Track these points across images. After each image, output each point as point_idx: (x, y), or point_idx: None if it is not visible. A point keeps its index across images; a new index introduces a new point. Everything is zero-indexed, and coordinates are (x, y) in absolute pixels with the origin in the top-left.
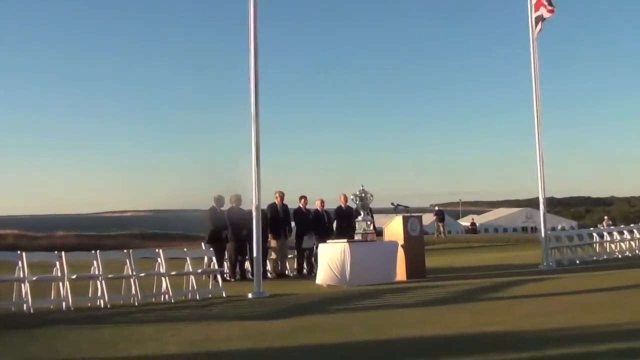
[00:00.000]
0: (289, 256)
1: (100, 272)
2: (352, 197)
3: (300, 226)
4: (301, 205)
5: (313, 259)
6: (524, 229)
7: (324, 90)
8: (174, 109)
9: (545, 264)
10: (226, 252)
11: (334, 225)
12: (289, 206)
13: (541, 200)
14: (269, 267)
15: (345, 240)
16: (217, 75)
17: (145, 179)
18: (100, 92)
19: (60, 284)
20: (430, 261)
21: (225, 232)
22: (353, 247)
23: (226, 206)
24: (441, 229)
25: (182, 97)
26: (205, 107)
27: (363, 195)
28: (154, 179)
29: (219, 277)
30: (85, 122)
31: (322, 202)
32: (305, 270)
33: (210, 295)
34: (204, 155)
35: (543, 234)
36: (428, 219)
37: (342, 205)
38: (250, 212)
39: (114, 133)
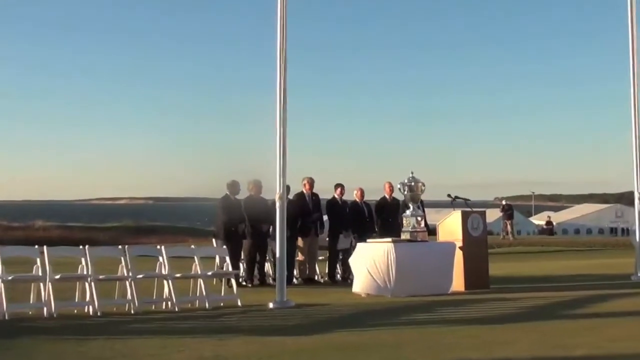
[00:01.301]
0: (320, 258)
1: (90, 272)
2: (399, 186)
3: (335, 221)
4: (336, 196)
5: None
6: (613, 230)
7: (369, 61)
8: (180, 83)
9: (639, 274)
10: (242, 251)
11: (376, 221)
12: (321, 196)
13: (636, 195)
14: (295, 271)
15: (390, 239)
16: (239, 46)
17: (145, 161)
18: (92, 58)
19: (41, 285)
20: (495, 268)
21: (242, 226)
22: (399, 249)
23: (243, 194)
24: (509, 228)
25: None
26: (221, 79)
27: (413, 184)
28: (154, 160)
29: (233, 281)
30: (69, 89)
31: (362, 192)
32: (339, 276)
33: (222, 304)
34: (215, 134)
35: (638, 237)
36: (493, 215)
37: (387, 197)
38: (272, 202)
39: (105, 105)
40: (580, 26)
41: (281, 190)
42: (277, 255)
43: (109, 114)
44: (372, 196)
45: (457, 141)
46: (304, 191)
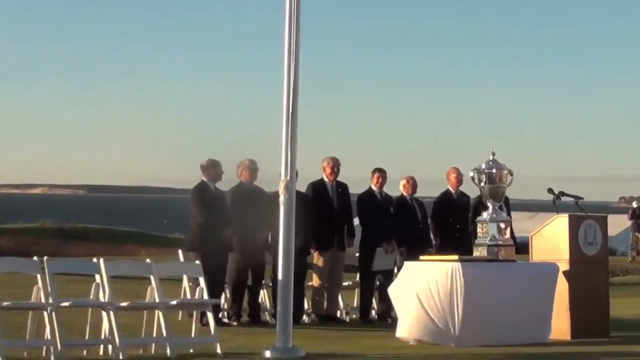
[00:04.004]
0: (346, 284)
1: None
2: (471, 174)
3: (370, 227)
4: (373, 187)
5: (390, 291)
6: None
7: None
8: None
9: None
10: (226, 271)
11: (434, 228)
12: (352, 189)
13: None
14: (306, 304)
15: (456, 257)
16: None
17: (74, 133)
18: None
19: None
20: (619, 306)
21: (227, 231)
22: (470, 272)
23: (228, 183)
24: None
25: None
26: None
27: (494, 171)
28: (89, 133)
29: (210, 316)
30: None
31: (414, 182)
32: (374, 312)
33: (192, 350)
34: (186, 96)
35: None
36: (617, 223)
37: (451, 191)
38: (273, 195)
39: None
40: None
41: (288, 177)
42: (280, 278)
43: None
44: (428, 189)
45: (560, 114)
46: (325, 178)
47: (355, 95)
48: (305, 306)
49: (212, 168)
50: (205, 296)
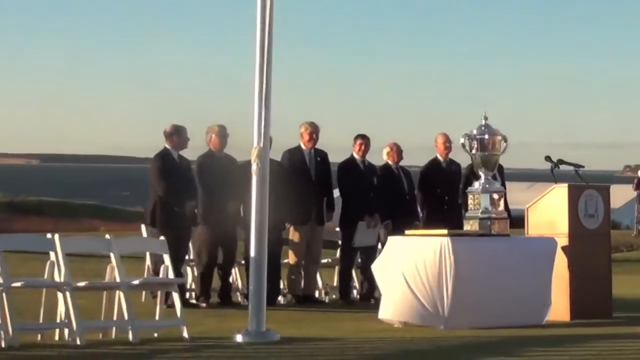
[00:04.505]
0: (325, 261)
1: None
2: (461, 140)
3: (352, 199)
4: (356, 155)
5: (373, 268)
6: None
7: None
8: None
9: None
10: (193, 247)
11: (421, 199)
12: (332, 158)
13: None
14: (281, 283)
15: (445, 231)
16: None
17: (26, 97)
18: None
19: None
20: (622, 284)
21: (192, 204)
22: (461, 248)
23: (195, 151)
24: None
25: None
26: None
27: (486, 137)
28: (43, 98)
29: (176, 296)
30: None
31: (398, 149)
32: (356, 292)
33: (156, 334)
34: (146, 54)
35: None
36: (621, 194)
37: (440, 159)
38: (245, 164)
39: None
40: None
41: (261, 144)
42: (252, 255)
43: None
44: (415, 157)
45: (559, 75)
46: (302, 146)
47: (336, 54)
48: (281, 286)
49: (176, 135)
50: (171, 275)
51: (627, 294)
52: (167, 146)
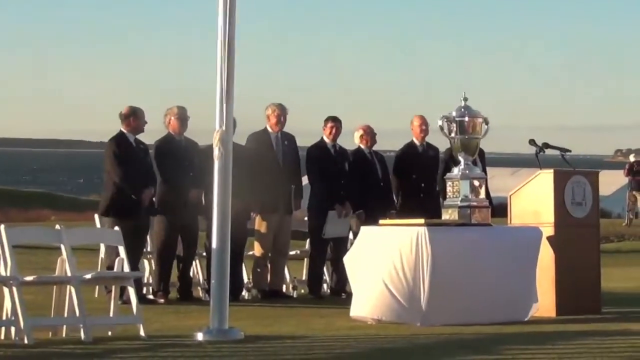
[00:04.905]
0: (292, 253)
1: None
2: (439, 123)
3: (323, 185)
4: (326, 139)
5: (345, 261)
6: None
7: None
8: None
9: None
10: (149, 240)
11: (397, 186)
12: (300, 142)
13: None
14: (245, 277)
15: (422, 221)
16: None
17: None
18: None
19: None
20: (612, 277)
21: (150, 191)
22: (439, 238)
23: (153, 135)
24: (639, 205)
25: None
26: None
27: (466, 119)
28: None
29: (132, 292)
30: None
31: (371, 132)
32: (327, 287)
33: (110, 332)
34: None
35: None
36: (611, 181)
37: (416, 142)
38: (208, 149)
39: None
40: None
41: (224, 127)
42: (214, 246)
43: None
44: (389, 141)
45: (545, 53)
46: (269, 129)
47: (305, 30)
48: (245, 280)
49: (133, 117)
50: (126, 268)
51: (618, 287)
52: (123, 129)
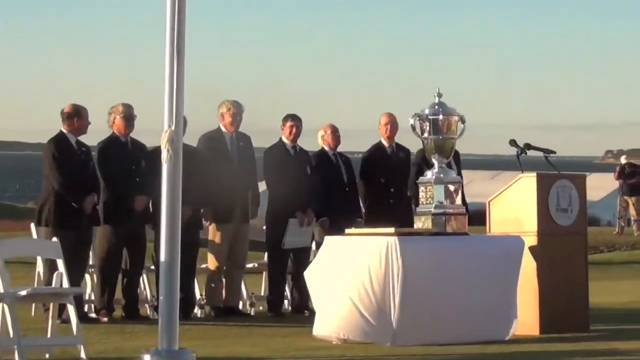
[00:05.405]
0: (250, 266)
1: None
2: (410, 121)
3: (282, 190)
4: (285, 140)
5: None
6: None
7: None
8: None
9: None
10: (92, 252)
11: (364, 192)
12: (256, 142)
13: None
14: (198, 292)
15: (392, 229)
16: None
17: None
18: None
19: None
20: (599, 291)
21: (93, 198)
22: (410, 249)
23: (95, 136)
24: (632, 211)
25: None
26: None
27: (440, 117)
28: None
29: (71, 309)
30: None
31: (335, 133)
32: (288, 303)
33: (48, 355)
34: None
35: None
36: (601, 184)
37: (384, 143)
38: (156, 151)
39: None
40: None
41: (173, 127)
42: (163, 259)
43: None
44: (355, 142)
45: (530, 47)
46: (222, 129)
47: (261, 20)
48: (198, 296)
49: (77, 117)
50: (66, 284)
51: (607, 302)
52: (63, 130)
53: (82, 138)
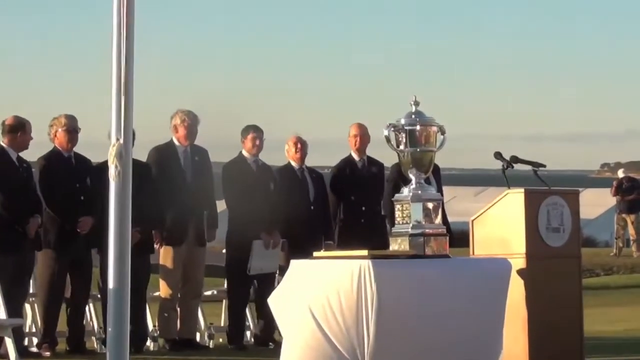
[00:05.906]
0: (207, 293)
1: None
2: (385, 132)
3: (244, 210)
4: (246, 154)
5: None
6: None
7: None
8: None
9: None
10: (32, 278)
11: (335, 210)
12: (214, 156)
13: None
14: (150, 323)
15: (365, 252)
16: None
17: None
18: None
19: None
20: (594, 318)
21: (36, 220)
22: (385, 273)
23: (35, 151)
24: (631, 230)
25: None
26: None
27: (417, 127)
28: None
29: (9, 343)
30: None
31: (301, 144)
32: (251, 334)
33: None
34: None
35: None
36: (596, 201)
37: (355, 157)
38: (102, 167)
39: None
40: None
41: (121, 140)
42: (111, 286)
43: None
44: (325, 155)
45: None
46: (175, 142)
47: (218, 22)
48: (150, 327)
49: (21, 130)
50: (3, 315)
51: (604, 331)
52: (3, 144)
53: (22, 154)
